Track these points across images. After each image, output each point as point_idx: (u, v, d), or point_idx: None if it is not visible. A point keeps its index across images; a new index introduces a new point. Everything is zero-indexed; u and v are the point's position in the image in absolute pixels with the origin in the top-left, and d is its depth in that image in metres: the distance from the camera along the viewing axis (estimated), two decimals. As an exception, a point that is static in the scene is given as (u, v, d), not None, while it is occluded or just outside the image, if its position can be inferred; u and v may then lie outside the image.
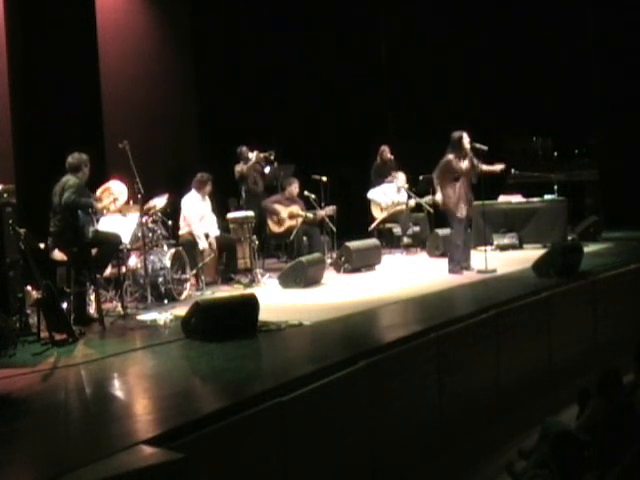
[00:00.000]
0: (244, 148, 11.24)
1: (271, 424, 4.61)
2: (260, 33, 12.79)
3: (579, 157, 15.22)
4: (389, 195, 11.82)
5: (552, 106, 14.21)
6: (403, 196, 11.81)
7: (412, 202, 11.70)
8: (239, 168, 11.15)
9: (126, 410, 4.76)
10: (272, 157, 11.24)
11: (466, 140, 9.29)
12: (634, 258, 9.94)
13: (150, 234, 8.58)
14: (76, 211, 7.32)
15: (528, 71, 14.51)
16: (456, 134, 9.35)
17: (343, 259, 10.17)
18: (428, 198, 11.37)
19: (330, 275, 9.82)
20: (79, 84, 9.57)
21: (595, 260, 9.90)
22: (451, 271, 9.43)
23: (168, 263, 8.41)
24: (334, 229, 10.70)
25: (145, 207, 8.42)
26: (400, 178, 11.78)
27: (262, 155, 11.21)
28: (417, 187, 11.97)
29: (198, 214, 9.44)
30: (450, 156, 9.30)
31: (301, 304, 8.06)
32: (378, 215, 11.81)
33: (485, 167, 9.47)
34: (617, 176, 13.84)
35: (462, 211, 9.33)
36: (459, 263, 9.43)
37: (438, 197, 9.52)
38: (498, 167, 9.65)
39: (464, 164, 9.31)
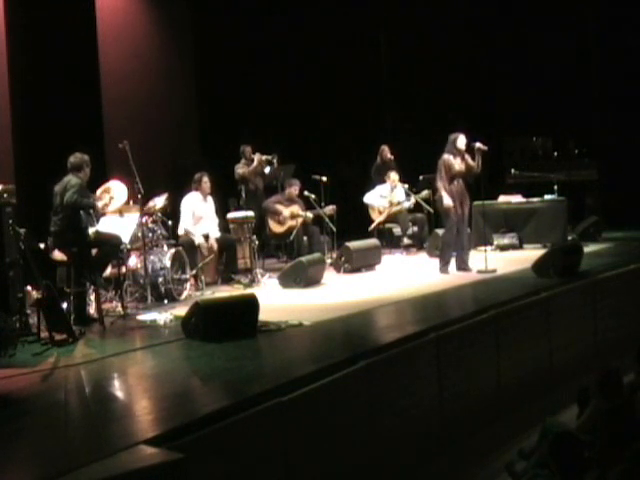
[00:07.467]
0: (248, 148, 11.23)
1: (271, 424, 4.61)
2: (260, 33, 12.79)
3: (579, 157, 15.21)
4: (385, 196, 11.81)
5: (552, 106, 14.21)
6: (399, 195, 11.82)
7: (411, 201, 11.69)
8: (240, 170, 11.14)
9: (126, 410, 4.75)
10: (274, 160, 11.22)
11: (461, 142, 9.31)
12: (634, 258, 9.93)
13: (150, 234, 8.58)
14: (78, 211, 7.33)
15: (528, 71, 14.50)
16: (452, 136, 9.41)
17: (343, 259, 10.16)
18: (425, 193, 11.41)
19: (330, 275, 9.82)
20: (79, 84, 9.56)
21: (595, 260, 9.90)
22: (441, 270, 9.46)
23: (168, 263, 8.41)
24: (334, 229, 10.70)
25: (145, 207, 8.43)
26: (394, 177, 11.78)
27: (264, 158, 11.19)
28: (417, 187, 11.97)
29: (195, 213, 9.48)
30: (445, 156, 9.32)
31: (301, 304, 8.06)
32: (377, 218, 11.80)
33: (473, 161, 9.32)
34: (617, 176, 13.83)
35: (456, 210, 9.33)
36: (449, 263, 9.44)
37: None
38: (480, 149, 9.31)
39: (459, 165, 9.33)
